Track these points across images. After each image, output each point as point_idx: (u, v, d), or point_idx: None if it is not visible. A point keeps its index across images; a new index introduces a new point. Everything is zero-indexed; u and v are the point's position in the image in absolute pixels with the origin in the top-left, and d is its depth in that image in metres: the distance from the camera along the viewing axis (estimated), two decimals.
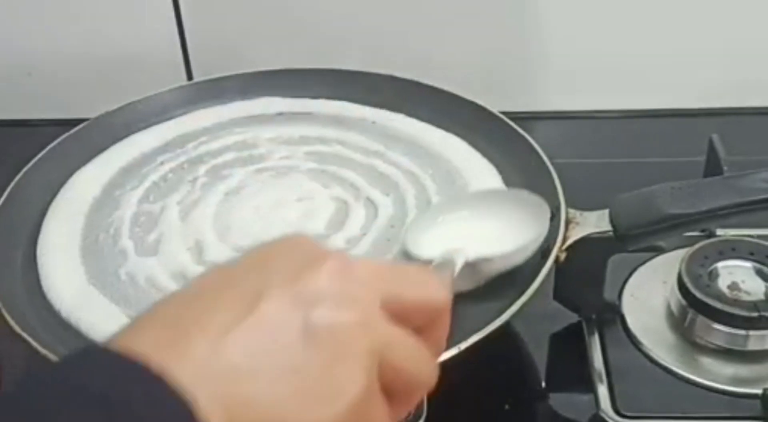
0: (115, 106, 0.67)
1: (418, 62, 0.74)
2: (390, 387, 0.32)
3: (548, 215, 0.52)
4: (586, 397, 0.54)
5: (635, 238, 0.54)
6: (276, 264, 0.32)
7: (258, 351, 0.29)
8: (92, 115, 0.66)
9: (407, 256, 0.52)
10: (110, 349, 0.28)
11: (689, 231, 0.58)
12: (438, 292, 0.35)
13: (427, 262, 0.46)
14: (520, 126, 0.63)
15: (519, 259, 0.51)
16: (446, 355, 0.47)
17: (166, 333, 0.29)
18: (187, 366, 0.28)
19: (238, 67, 0.72)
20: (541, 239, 0.52)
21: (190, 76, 0.80)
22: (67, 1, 0.78)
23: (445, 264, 0.45)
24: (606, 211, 0.54)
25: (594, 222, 0.54)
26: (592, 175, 0.71)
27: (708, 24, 0.75)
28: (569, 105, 0.79)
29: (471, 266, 0.48)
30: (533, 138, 0.62)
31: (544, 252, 0.53)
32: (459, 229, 0.52)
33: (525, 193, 0.55)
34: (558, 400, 0.56)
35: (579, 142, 0.77)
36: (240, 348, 0.29)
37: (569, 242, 0.53)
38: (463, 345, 0.47)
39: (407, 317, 0.33)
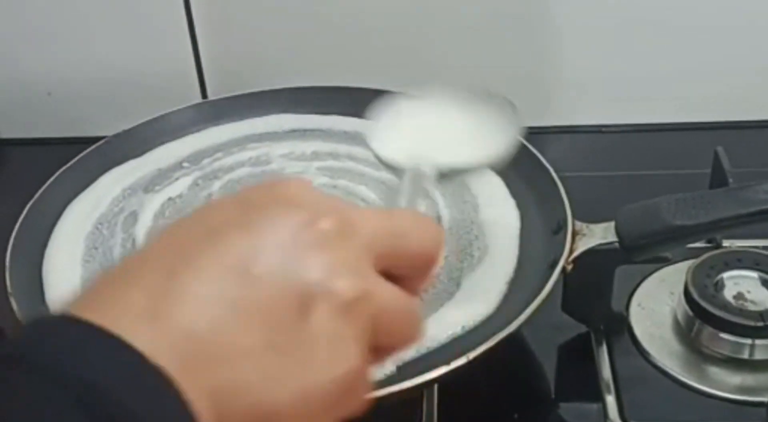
0: (132, 125, 0.68)
1: (428, 79, 0.74)
2: (377, 346, 0.30)
3: (516, 116, 0.48)
4: (595, 406, 0.54)
5: (641, 249, 0.54)
6: (266, 225, 0.28)
7: (246, 328, 0.26)
8: (110, 133, 0.68)
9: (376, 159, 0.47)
10: (84, 322, 0.25)
11: (694, 241, 0.58)
12: (435, 244, 0.33)
13: (397, 169, 0.44)
14: (528, 140, 0.64)
15: (489, 164, 0.48)
16: (455, 365, 0.48)
17: (144, 300, 0.26)
18: (163, 342, 0.25)
19: (251, 86, 0.73)
20: (511, 142, 0.47)
21: (204, 95, 0.81)
22: (85, 23, 0.79)
23: (418, 175, 0.42)
24: (612, 223, 0.54)
25: (600, 234, 0.55)
26: (599, 188, 0.71)
27: (711, 40, 0.76)
28: (576, 119, 0.80)
29: (441, 174, 0.44)
30: (540, 152, 0.62)
31: (551, 263, 0.54)
32: (426, 134, 0.47)
33: (489, 94, 0.50)
34: (566, 410, 0.56)
35: (585, 155, 0.78)
36: (217, 322, 0.26)
37: (576, 254, 0.54)
38: (472, 355, 0.48)
39: (399, 267, 0.31)
